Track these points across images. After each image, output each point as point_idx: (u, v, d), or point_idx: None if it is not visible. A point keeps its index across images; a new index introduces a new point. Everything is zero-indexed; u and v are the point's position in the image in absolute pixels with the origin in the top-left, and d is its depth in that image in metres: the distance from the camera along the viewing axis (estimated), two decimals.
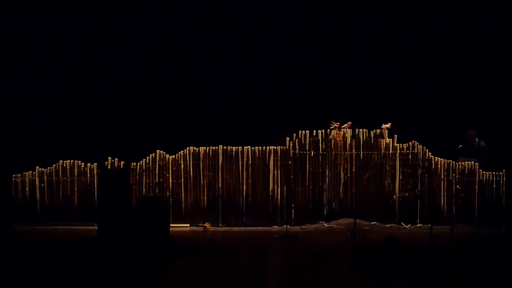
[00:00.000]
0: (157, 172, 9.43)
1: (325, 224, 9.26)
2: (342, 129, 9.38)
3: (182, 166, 9.44)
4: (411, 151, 9.36)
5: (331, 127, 9.41)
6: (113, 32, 10.89)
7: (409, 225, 9.24)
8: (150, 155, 9.46)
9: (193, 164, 9.45)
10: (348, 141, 9.39)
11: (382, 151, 9.36)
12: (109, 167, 9.23)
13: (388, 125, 9.38)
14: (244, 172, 9.44)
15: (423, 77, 10.81)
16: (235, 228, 9.25)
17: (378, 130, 9.40)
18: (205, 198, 9.45)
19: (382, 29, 10.90)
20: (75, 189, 9.40)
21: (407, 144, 9.37)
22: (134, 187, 9.29)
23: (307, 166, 9.41)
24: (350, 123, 9.38)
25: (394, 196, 9.35)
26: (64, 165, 9.43)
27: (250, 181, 9.42)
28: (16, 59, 10.81)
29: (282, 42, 11.04)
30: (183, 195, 9.43)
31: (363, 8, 10.94)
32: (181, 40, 11.09)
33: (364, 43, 10.92)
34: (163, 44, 11.04)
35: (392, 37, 10.88)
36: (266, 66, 11.02)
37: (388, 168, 9.37)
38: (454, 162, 9.40)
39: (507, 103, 10.48)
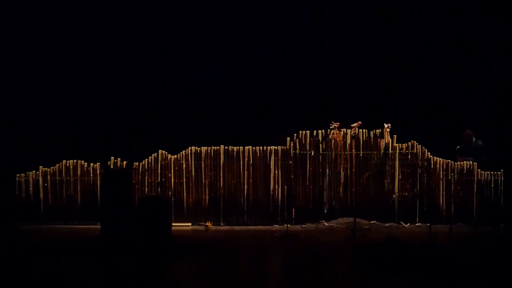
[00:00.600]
0: (159, 171, 9.50)
1: (325, 223, 9.33)
2: (353, 128, 9.41)
3: (184, 166, 9.51)
4: (410, 151, 9.43)
5: (330, 127, 9.47)
6: (113, 32, 10.92)
7: (408, 224, 9.32)
8: (153, 155, 9.52)
9: (195, 164, 9.51)
10: (348, 141, 9.46)
11: (382, 151, 9.43)
12: (111, 167, 9.28)
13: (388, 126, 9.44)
14: (245, 172, 9.50)
15: (423, 77, 10.85)
16: (236, 227, 9.33)
17: (378, 130, 9.46)
18: (207, 198, 9.52)
19: (382, 29, 10.93)
20: (78, 189, 9.47)
21: (406, 144, 9.44)
22: (136, 187, 9.36)
23: (308, 166, 9.48)
24: (360, 122, 9.42)
25: (394, 196, 9.42)
26: (68, 165, 9.49)
27: (251, 180, 9.49)
28: (16, 59, 10.84)
29: (282, 42, 11.07)
30: (185, 194, 9.50)
31: (363, 8, 10.97)
32: (181, 40, 11.12)
33: (364, 43, 10.96)
34: (163, 44, 11.07)
35: (392, 37, 10.91)
36: (266, 66, 11.05)
37: (387, 168, 9.44)
38: (453, 162, 9.47)
39: (507, 103, 10.53)
